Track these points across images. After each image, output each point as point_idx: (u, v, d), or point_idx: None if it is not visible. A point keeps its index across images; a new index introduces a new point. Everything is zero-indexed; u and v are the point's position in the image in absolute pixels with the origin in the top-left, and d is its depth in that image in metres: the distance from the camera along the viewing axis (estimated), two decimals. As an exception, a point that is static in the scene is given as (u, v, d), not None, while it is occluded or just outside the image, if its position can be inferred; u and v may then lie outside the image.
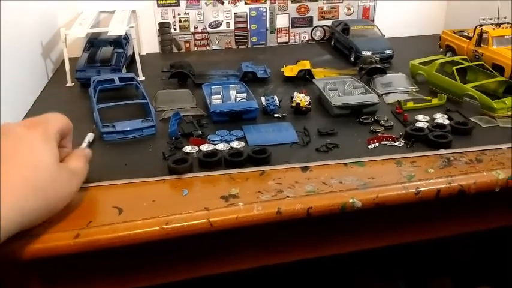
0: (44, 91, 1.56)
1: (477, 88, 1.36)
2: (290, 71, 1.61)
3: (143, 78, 1.66)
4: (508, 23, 1.57)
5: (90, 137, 1.18)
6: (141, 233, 0.88)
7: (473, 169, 1.05)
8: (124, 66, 1.63)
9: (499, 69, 1.45)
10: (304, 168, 1.06)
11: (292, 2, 1.98)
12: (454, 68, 1.43)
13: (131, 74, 1.49)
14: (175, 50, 1.99)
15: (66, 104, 1.48)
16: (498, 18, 1.58)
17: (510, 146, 1.14)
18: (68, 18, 1.84)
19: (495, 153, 1.11)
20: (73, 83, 1.61)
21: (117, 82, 1.42)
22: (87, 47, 1.70)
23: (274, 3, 1.97)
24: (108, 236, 0.87)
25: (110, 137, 1.20)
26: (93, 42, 1.72)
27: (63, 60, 1.64)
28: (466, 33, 1.70)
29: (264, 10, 1.98)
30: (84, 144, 1.13)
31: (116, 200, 0.96)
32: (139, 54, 1.69)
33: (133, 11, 1.89)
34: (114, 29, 1.60)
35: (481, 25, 1.57)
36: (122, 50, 1.68)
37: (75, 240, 0.85)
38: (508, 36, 1.52)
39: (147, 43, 1.96)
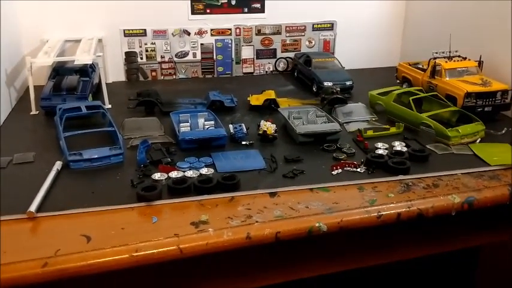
0: (7, 119, 1.54)
1: (432, 117, 1.44)
2: (256, 100, 1.65)
3: (109, 106, 1.66)
4: (459, 56, 1.68)
5: (58, 165, 1.17)
6: (111, 260, 0.88)
7: (430, 194, 1.11)
8: (90, 95, 1.63)
9: (452, 99, 1.54)
10: (272, 194, 1.10)
11: (256, 34, 2.05)
12: (411, 98, 1.51)
13: (98, 102, 1.50)
14: (141, 78, 2.01)
15: (31, 132, 1.46)
16: (450, 52, 1.69)
17: (464, 172, 1.21)
18: (33, 46, 1.83)
19: (450, 178, 1.18)
20: (37, 111, 1.59)
21: (84, 110, 1.42)
22: (52, 75, 1.70)
23: (240, 35, 2.04)
24: (77, 264, 0.86)
25: (77, 165, 1.20)
26: (59, 70, 1.71)
27: (27, 88, 1.63)
28: (420, 66, 1.80)
29: (230, 41, 2.04)
30: (53, 172, 1.12)
31: (84, 228, 0.96)
32: (105, 83, 1.69)
33: (100, 40, 1.90)
34: (81, 57, 1.61)
35: (435, 58, 1.67)
36: (88, 79, 1.68)
37: (43, 269, 0.84)
38: (459, 69, 1.62)
39: (113, 71, 1.97)
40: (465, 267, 1.84)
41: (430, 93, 1.59)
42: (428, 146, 1.34)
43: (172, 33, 1.97)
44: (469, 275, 1.82)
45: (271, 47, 2.09)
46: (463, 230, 1.22)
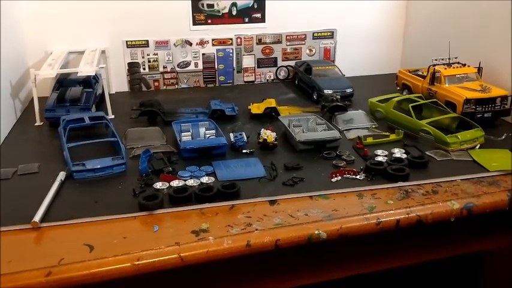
0: (12, 130, 1.56)
1: (432, 124, 1.44)
2: (257, 108, 1.67)
3: (113, 116, 1.68)
4: (458, 62, 1.69)
5: (62, 175, 1.19)
6: (113, 269, 0.90)
7: (429, 200, 1.11)
8: (94, 105, 1.65)
9: (451, 105, 1.55)
10: (272, 202, 1.11)
11: (257, 43, 2.08)
12: (410, 105, 1.52)
13: (101, 113, 1.52)
14: (144, 88, 2.03)
15: (35, 143, 1.48)
16: (449, 59, 1.70)
17: (463, 178, 1.22)
18: (37, 58, 1.86)
19: (449, 184, 1.19)
20: (42, 122, 1.61)
21: (87, 121, 1.44)
22: (56, 86, 1.72)
23: (241, 44, 2.06)
24: (80, 273, 0.88)
25: (80, 176, 1.22)
26: (63, 82, 1.74)
27: (32, 99, 1.65)
28: (420, 72, 1.81)
29: (231, 51, 2.06)
30: (56, 183, 1.14)
31: (87, 238, 0.97)
32: (109, 93, 1.72)
33: (103, 51, 1.92)
34: (84, 69, 1.63)
35: (434, 65, 1.68)
36: (91, 90, 1.70)
37: (47, 278, 0.86)
38: (459, 75, 1.63)
39: (116, 82, 1.99)
40: (469, 273, 1.84)
41: (429, 100, 1.60)
42: (427, 153, 1.35)
43: (174, 44, 1.99)
44: (474, 281, 1.82)
45: (272, 56, 2.11)
46: (463, 236, 1.22)
